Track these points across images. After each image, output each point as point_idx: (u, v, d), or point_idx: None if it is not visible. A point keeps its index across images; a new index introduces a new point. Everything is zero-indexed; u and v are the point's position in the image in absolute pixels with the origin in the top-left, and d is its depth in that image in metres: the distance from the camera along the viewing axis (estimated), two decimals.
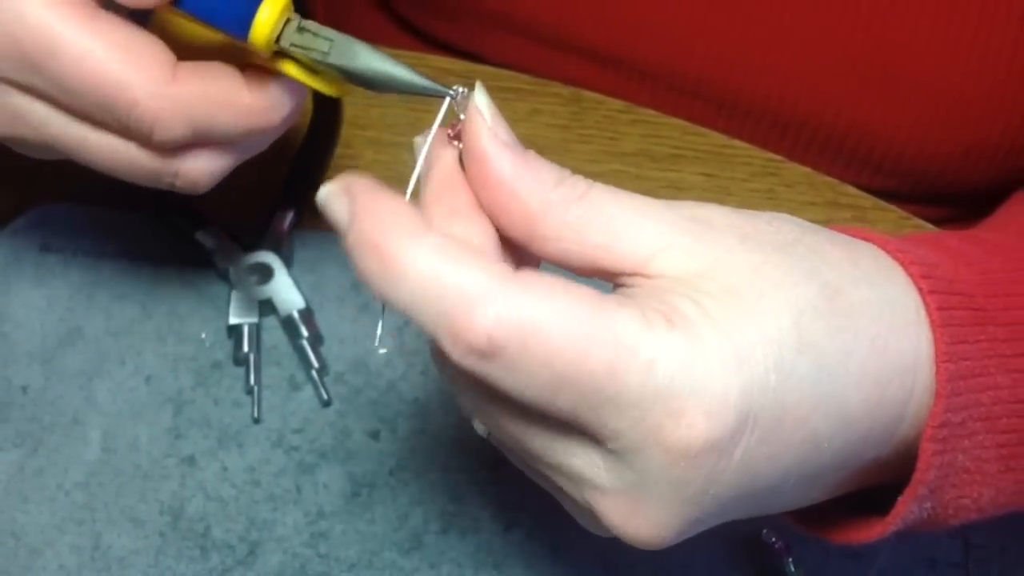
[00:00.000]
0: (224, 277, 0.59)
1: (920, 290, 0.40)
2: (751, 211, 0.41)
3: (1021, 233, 0.47)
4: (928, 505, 0.41)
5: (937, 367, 0.40)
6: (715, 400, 0.36)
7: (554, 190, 0.39)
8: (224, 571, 0.53)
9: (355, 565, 0.53)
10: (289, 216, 0.60)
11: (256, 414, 0.56)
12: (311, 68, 0.46)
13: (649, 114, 0.65)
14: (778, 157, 0.64)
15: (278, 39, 0.45)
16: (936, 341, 0.40)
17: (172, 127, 0.45)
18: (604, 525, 0.39)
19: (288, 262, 0.59)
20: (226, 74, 0.46)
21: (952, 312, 0.40)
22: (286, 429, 0.56)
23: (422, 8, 0.72)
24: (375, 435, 0.56)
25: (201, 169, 0.47)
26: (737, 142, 0.65)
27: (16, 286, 0.59)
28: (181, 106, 0.45)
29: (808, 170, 0.64)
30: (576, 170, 0.63)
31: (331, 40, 0.44)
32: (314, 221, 0.62)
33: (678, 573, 0.52)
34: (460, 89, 0.42)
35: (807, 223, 0.41)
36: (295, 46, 0.45)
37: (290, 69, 0.46)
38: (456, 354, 0.36)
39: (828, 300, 0.39)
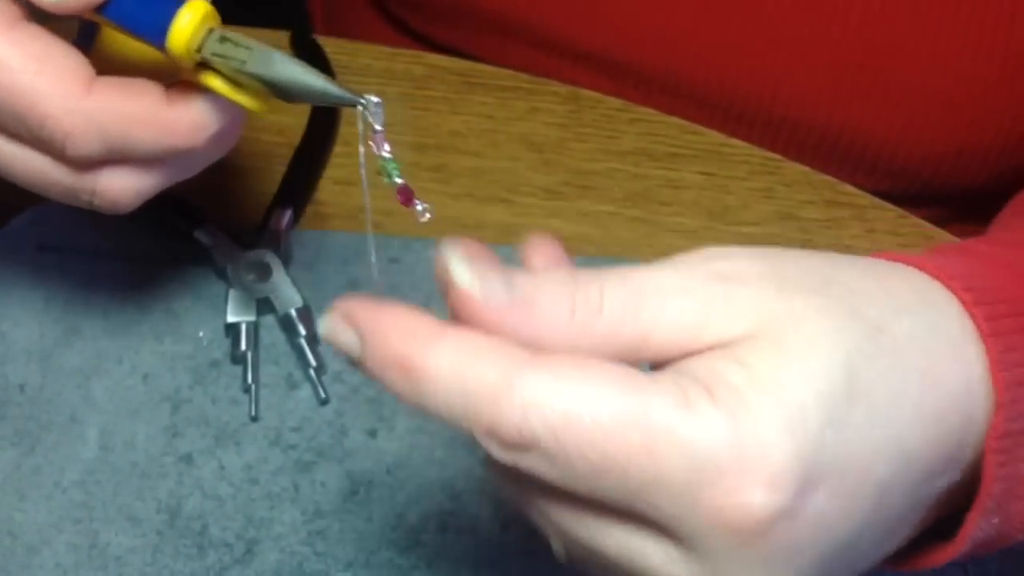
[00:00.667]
0: (222, 276, 0.59)
1: (963, 303, 0.39)
2: (773, 250, 0.39)
3: None
4: (995, 520, 0.40)
5: (993, 378, 0.39)
6: (770, 470, 0.34)
7: (569, 321, 0.37)
8: (221, 569, 0.53)
9: (352, 563, 0.53)
10: (287, 215, 0.60)
11: (254, 412, 0.56)
12: (235, 81, 0.44)
13: (647, 113, 0.65)
14: (776, 156, 0.64)
15: (200, 49, 0.43)
16: (989, 352, 0.39)
17: (84, 142, 0.44)
18: None
19: (286, 261, 0.59)
20: (146, 90, 0.44)
21: (1000, 321, 0.39)
22: (284, 427, 0.56)
23: (419, 12, 0.73)
24: (373, 433, 0.56)
25: (120, 187, 0.46)
26: (735, 141, 0.65)
27: (13, 285, 0.59)
28: (95, 121, 0.44)
29: (807, 169, 0.64)
30: (574, 169, 0.64)
31: (250, 49, 0.43)
32: (312, 220, 0.62)
33: None
34: (372, 99, 0.42)
35: (833, 255, 0.40)
36: (216, 55, 0.43)
37: (213, 82, 0.44)
38: (493, 451, 0.35)
39: (873, 340, 0.37)
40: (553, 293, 0.37)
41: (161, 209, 0.60)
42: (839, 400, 0.36)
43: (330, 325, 0.38)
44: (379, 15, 0.76)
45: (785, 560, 0.36)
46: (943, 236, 0.62)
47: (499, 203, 0.63)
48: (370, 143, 0.42)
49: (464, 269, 0.37)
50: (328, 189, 0.63)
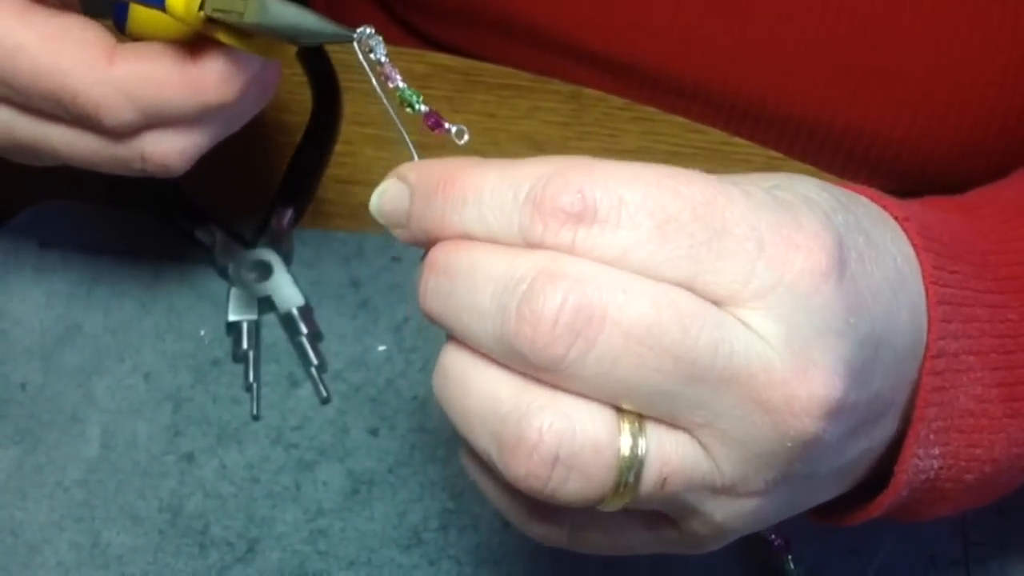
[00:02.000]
0: (223, 274, 0.59)
1: (896, 217, 0.41)
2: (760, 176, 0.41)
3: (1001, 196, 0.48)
4: (936, 453, 0.41)
5: (927, 290, 0.40)
6: (831, 338, 0.36)
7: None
8: (223, 568, 0.53)
9: (354, 562, 0.53)
10: (288, 213, 0.60)
11: (255, 411, 0.56)
12: (242, 33, 0.44)
13: (649, 111, 0.65)
14: (779, 155, 0.64)
15: (202, 7, 0.43)
16: (922, 264, 0.40)
17: (117, 111, 0.44)
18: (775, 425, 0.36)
19: (287, 259, 0.59)
20: (168, 52, 0.45)
21: (930, 241, 0.41)
22: (285, 426, 0.56)
23: (422, 11, 0.73)
24: (374, 432, 0.56)
25: (167, 150, 0.46)
26: (738, 140, 0.64)
27: (15, 283, 0.59)
28: (123, 89, 0.44)
29: (810, 168, 0.64)
30: None
31: (246, 0, 0.43)
32: (314, 218, 0.62)
33: (677, 570, 0.52)
34: (367, 30, 0.43)
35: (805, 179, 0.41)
36: (217, 11, 0.43)
37: (222, 37, 0.44)
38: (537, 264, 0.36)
39: (859, 230, 0.39)
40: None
41: (163, 208, 0.60)
42: (853, 243, 0.38)
43: (381, 187, 0.41)
44: (383, 14, 0.76)
45: (808, 472, 0.37)
46: None
47: None
48: (382, 78, 0.43)
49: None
50: (330, 188, 0.63)
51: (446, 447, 0.56)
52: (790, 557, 0.51)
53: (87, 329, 0.58)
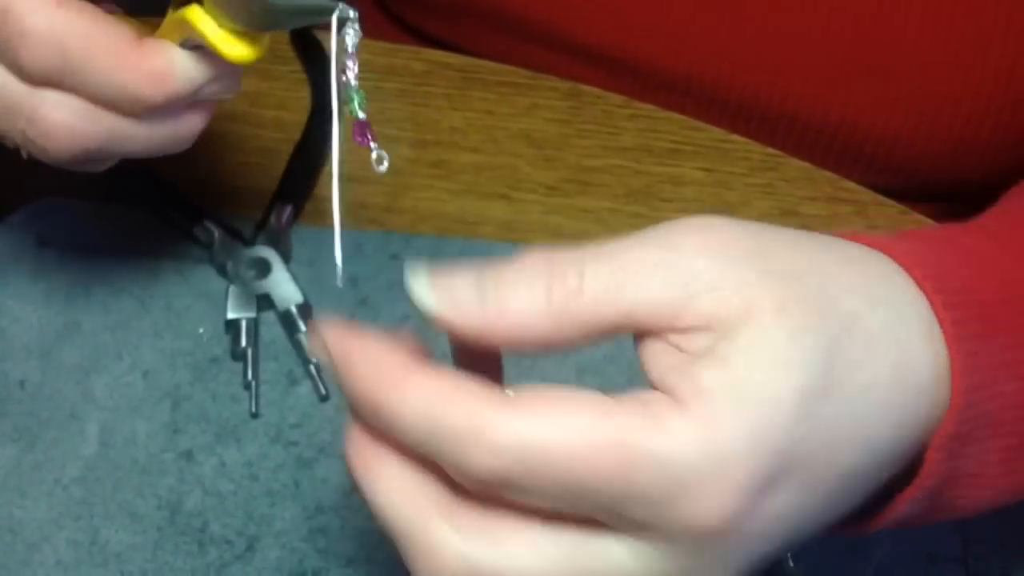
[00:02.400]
0: (222, 272, 0.59)
1: (932, 304, 0.39)
2: (758, 227, 0.39)
3: None
4: (926, 503, 0.41)
5: (953, 381, 0.39)
6: (737, 478, 0.35)
7: (548, 309, 0.37)
8: (222, 566, 0.53)
9: (353, 560, 0.53)
10: (287, 211, 0.60)
11: (254, 409, 0.56)
12: (223, 20, 0.42)
13: (648, 109, 0.65)
14: (777, 152, 0.64)
15: None
16: (952, 355, 0.39)
17: (41, 49, 0.42)
18: None
19: (286, 257, 0.59)
20: (121, 26, 0.43)
21: (966, 325, 0.39)
22: (284, 424, 0.56)
23: (419, 8, 0.72)
24: None
25: (59, 119, 0.44)
26: (736, 137, 0.64)
27: (13, 281, 0.58)
28: (57, 31, 0.42)
29: (808, 165, 0.64)
30: (575, 165, 0.64)
31: None
32: (312, 216, 0.62)
33: None
34: (349, 11, 0.40)
35: (812, 236, 0.40)
36: None
37: (194, 13, 0.42)
38: (470, 487, 0.36)
39: (848, 332, 0.37)
40: (527, 286, 0.37)
41: (161, 205, 0.60)
42: (814, 397, 0.36)
43: (312, 346, 0.39)
44: (379, 11, 0.76)
45: (745, 548, 0.37)
46: None
47: (499, 199, 0.62)
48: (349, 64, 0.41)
49: (427, 295, 0.38)
50: (328, 185, 0.63)
51: None
52: (789, 555, 0.51)
53: (85, 327, 0.58)
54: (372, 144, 0.39)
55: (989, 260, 0.42)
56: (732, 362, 0.36)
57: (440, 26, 0.72)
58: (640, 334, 0.38)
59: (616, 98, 0.65)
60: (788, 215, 0.62)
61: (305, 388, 0.57)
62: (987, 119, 0.63)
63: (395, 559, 0.53)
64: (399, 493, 0.38)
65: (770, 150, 0.64)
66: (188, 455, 0.55)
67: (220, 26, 0.42)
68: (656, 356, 0.38)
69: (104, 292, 0.58)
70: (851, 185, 0.63)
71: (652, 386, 0.38)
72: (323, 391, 0.56)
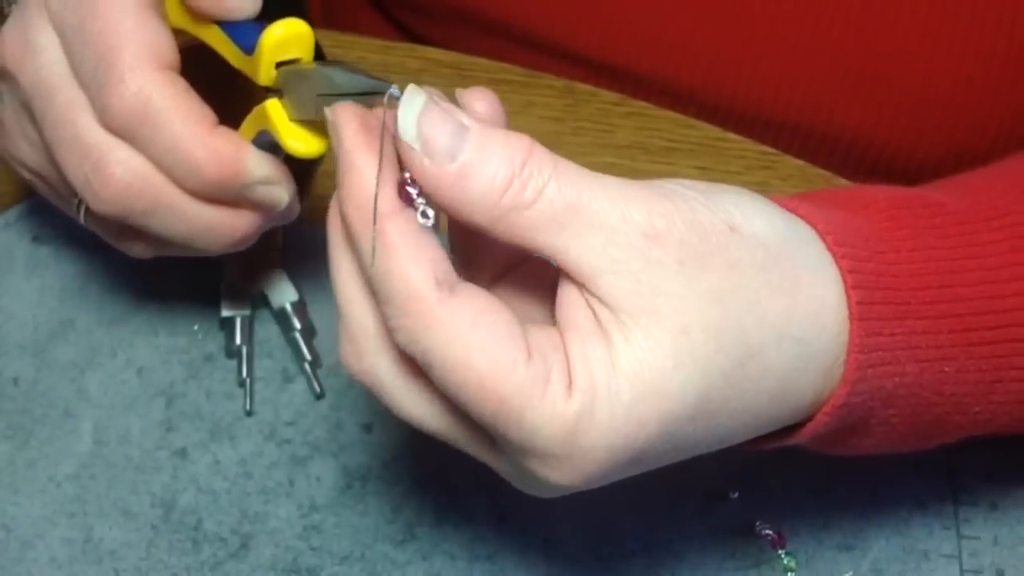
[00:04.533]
0: (217, 269, 0.59)
1: (846, 284, 0.42)
2: (715, 221, 0.40)
3: (988, 204, 0.47)
4: (808, 441, 0.44)
5: (848, 358, 0.41)
6: (588, 465, 0.39)
7: (495, 204, 0.39)
8: (216, 564, 0.53)
9: (348, 558, 0.53)
10: None
11: (248, 407, 0.56)
12: (299, 114, 0.46)
13: (643, 107, 0.65)
14: (772, 150, 0.64)
15: (278, 66, 0.46)
16: (852, 333, 0.41)
17: (130, 100, 0.46)
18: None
19: (281, 255, 0.59)
20: (206, 107, 0.47)
21: (872, 307, 0.42)
22: (278, 422, 0.56)
23: (416, 12, 0.72)
24: (368, 427, 0.56)
25: (120, 171, 0.47)
26: (731, 135, 0.64)
27: (8, 278, 0.58)
28: (149, 88, 0.46)
29: (802, 163, 0.64)
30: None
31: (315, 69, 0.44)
32: (307, 214, 0.62)
33: (672, 564, 0.52)
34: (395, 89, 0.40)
35: (766, 249, 0.41)
36: (289, 79, 0.45)
37: (273, 108, 0.46)
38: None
39: (743, 366, 0.40)
40: (492, 169, 0.39)
41: None
42: (682, 419, 0.39)
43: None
44: (376, 13, 0.76)
45: (581, 489, 0.41)
46: None
47: None
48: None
49: (411, 121, 0.39)
50: (324, 183, 0.63)
51: (439, 442, 0.55)
52: (784, 551, 0.51)
53: (80, 324, 0.57)
54: (419, 200, 0.40)
55: (921, 243, 0.44)
56: (620, 365, 0.39)
57: (439, 30, 0.72)
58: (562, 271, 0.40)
59: (611, 96, 0.65)
60: None
61: (299, 386, 0.57)
62: (988, 126, 0.63)
63: (389, 556, 0.53)
64: (352, 280, 0.41)
65: (765, 148, 0.64)
66: (182, 453, 0.55)
67: (291, 119, 0.46)
68: (569, 299, 0.40)
69: (98, 289, 0.58)
70: (845, 183, 0.63)
71: (556, 317, 0.40)
72: (317, 389, 0.56)
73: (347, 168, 0.39)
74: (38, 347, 0.57)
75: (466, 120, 0.39)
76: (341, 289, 0.42)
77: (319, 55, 0.47)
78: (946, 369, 0.43)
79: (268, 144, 0.48)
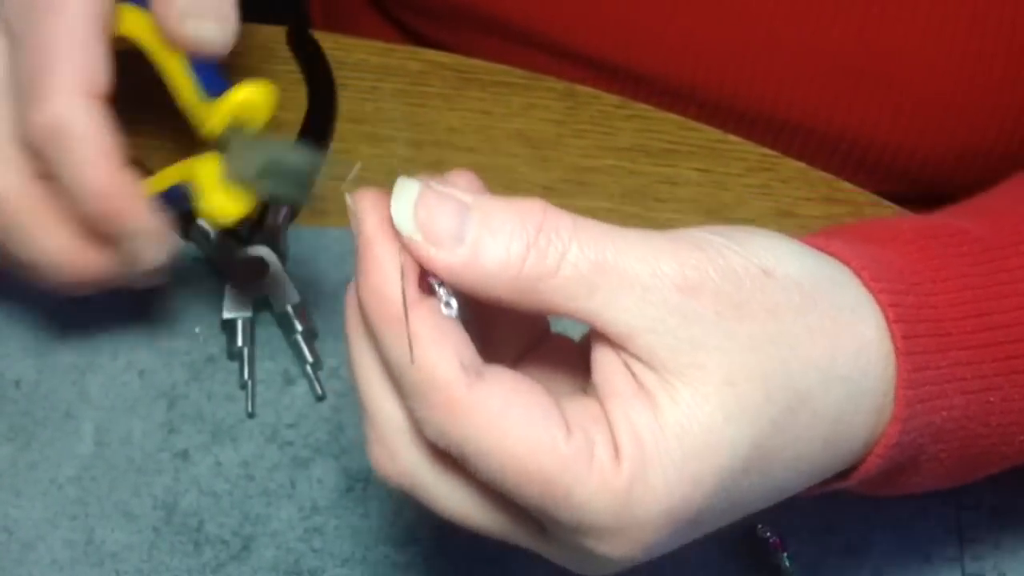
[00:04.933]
0: (218, 272, 0.59)
1: (887, 319, 0.41)
2: (749, 267, 0.39)
3: (1011, 230, 0.46)
4: (873, 485, 0.43)
5: (897, 394, 0.41)
6: (647, 535, 0.38)
7: (518, 276, 0.37)
8: (218, 566, 0.53)
9: (349, 560, 0.53)
10: (284, 211, 0.60)
11: (250, 409, 0.56)
12: (235, 177, 0.47)
13: (644, 109, 0.65)
14: (773, 152, 0.64)
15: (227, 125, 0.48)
16: (899, 369, 0.41)
17: (48, 122, 0.47)
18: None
19: (283, 257, 0.59)
20: (120, 143, 0.48)
21: (916, 340, 0.41)
22: (280, 424, 0.56)
23: (416, 12, 0.72)
24: None
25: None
26: (732, 137, 0.64)
27: (8, 280, 0.58)
28: (71, 114, 0.47)
29: (804, 165, 0.64)
30: (571, 165, 0.63)
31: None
32: (309, 216, 0.62)
33: (673, 567, 0.52)
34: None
35: (802, 291, 0.40)
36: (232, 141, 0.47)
37: (207, 166, 0.48)
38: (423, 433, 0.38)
39: (793, 412, 0.39)
40: (506, 240, 0.37)
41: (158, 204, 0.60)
42: (736, 472, 0.38)
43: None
44: (377, 14, 0.76)
45: (638, 560, 0.40)
46: None
47: None
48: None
49: (408, 212, 0.37)
50: (325, 185, 0.63)
51: None
52: (786, 555, 0.51)
53: (81, 326, 0.57)
54: (441, 290, 0.38)
55: (954, 272, 0.43)
56: (667, 424, 0.37)
57: (439, 30, 0.72)
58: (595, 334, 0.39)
59: (612, 98, 0.65)
60: (784, 216, 0.62)
61: (301, 388, 0.57)
62: (990, 126, 0.63)
63: (391, 559, 0.53)
64: (375, 375, 0.39)
65: (766, 150, 0.64)
66: (184, 455, 0.55)
67: (222, 179, 0.48)
68: (606, 364, 0.38)
69: (100, 292, 0.58)
70: (847, 186, 0.63)
71: (593, 385, 0.39)
72: (319, 391, 0.56)
73: (366, 259, 0.37)
74: (39, 350, 0.57)
75: (465, 197, 0.37)
76: (364, 385, 0.39)
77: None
78: (991, 399, 0.42)
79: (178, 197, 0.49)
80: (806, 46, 0.63)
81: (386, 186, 0.64)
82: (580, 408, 0.38)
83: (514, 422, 0.37)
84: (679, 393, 0.37)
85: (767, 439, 0.38)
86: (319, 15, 0.83)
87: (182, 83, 0.48)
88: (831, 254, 0.42)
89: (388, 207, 0.37)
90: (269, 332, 0.58)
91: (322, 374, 0.57)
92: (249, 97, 0.47)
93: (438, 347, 0.37)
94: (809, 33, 0.62)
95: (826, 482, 0.42)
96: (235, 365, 0.57)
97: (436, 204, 0.37)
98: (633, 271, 0.37)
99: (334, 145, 0.64)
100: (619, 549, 0.38)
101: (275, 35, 0.67)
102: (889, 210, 0.62)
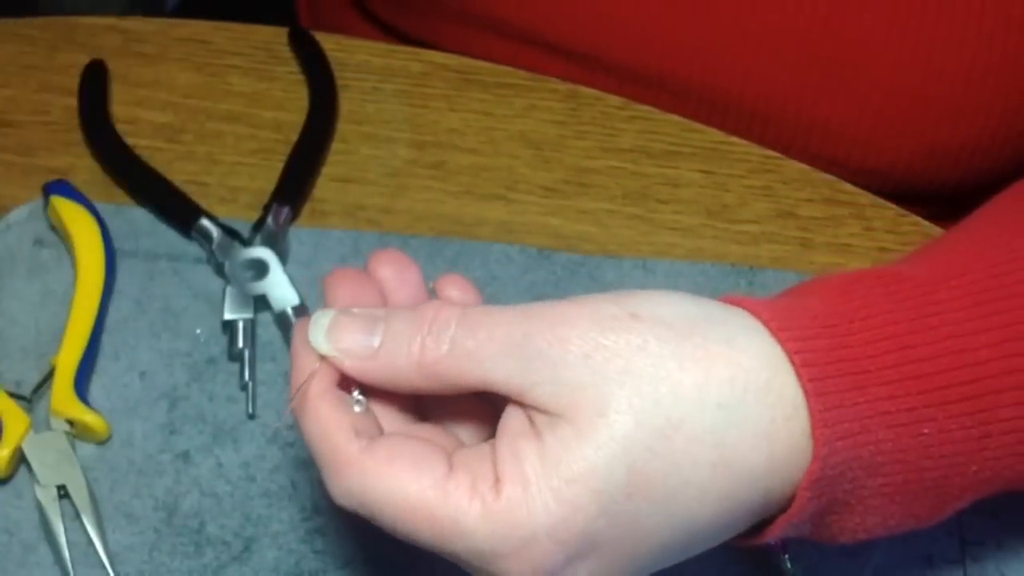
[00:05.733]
0: (219, 273, 0.59)
1: (794, 364, 0.42)
2: (618, 312, 0.42)
3: (947, 266, 0.47)
4: (808, 525, 0.44)
5: (814, 433, 0.42)
6: (535, 559, 0.41)
7: (418, 366, 0.43)
8: (219, 567, 0.53)
9: (351, 561, 0.53)
10: (284, 212, 0.60)
11: (251, 410, 0.56)
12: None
13: (646, 110, 0.65)
14: (776, 154, 0.64)
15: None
16: (811, 409, 0.42)
17: None
18: None
19: (283, 258, 0.59)
20: None
21: (826, 381, 0.42)
22: (281, 425, 0.56)
23: (406, 12, 0.72)
24: None
25: None
26: (735, 139, 0.64)
27: (10, 281, 0.58)
28: None
29: (806, 167, 0.64)
30: (573, 166, 0.64)
31: None
32: (310, 217, 0.62)
33: (674, 568, 0.52)
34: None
35: (673, 328, 0.42)
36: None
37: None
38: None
39: (667, 439, 0.41)
40: (406, 340, 0.43)
41: (159, 206, 0.60)
42: (616, 496, 0.41)
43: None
44: (362, 15, 0.76)
45: None
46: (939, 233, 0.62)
47: (498, 201, 0.62)
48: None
49: (321, 336, 0.44)
50: (325, 186, 0.63)
51: None
52: (787, 556, 0.51)
53: None
54: (355, 391, 0.45)
55: (876, 311, 0.44)
56: (548, 455, 0.41)
57: (430, 30, 0.72)
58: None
59: (614, 99, 0.65)
60: (786, 217, 0.62)
61: None
62: (961, 120, 0.62)
63: (393, 560, 0.53)
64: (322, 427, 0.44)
65: (768, 152, 0.64)
66: (185, 456, 0.55)
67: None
68: (509, 417, 0.43)
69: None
70: (849, 187, 0.63)
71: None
72: None
73: (292, 367, 0.45)
74: (41, 351, 0.57)
75: (379, 312, 0.44)
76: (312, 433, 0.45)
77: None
78: (925, 431, 0.43)
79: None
80: (772, 35, 0.63)
81: (386, 186, 0.64)
82: (471, 452, 0.43)
83: (399, 467, 0.42)
84: (561, 429, 0.41)
85: (644, 464, 0.41)
86: (305, 14, 0.83)
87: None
88: (743, 308, 0.44)
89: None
90: (270, 333, 0.58)
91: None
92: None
93: (334, 420, 0.43)
94: (775, 22, 0.62)
95: (764, 526, 0.44)
96: (236, 366, 0.57)
97: (348, 326, 0.44)
98: (509, 337, 0.42)
99: (335, 146, 0.64)
100: (517, 571, 0.41)
101: (277, 36, 0.67)
102: (890, 210, 0.62)
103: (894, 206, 0.63)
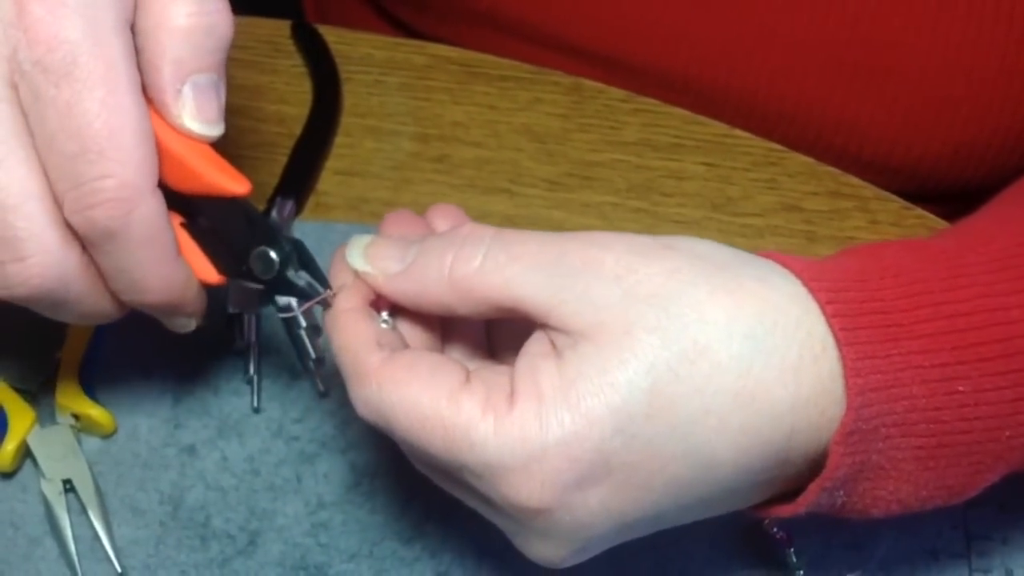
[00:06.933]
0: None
1: (825, 314, 0.42)
2: (653, 243, 0.43)
3: (973, 237, 0.47)
4: (841, 493, 0.43)
5: (847, 383, 0.42)
6: (548, 472, 0.40)
7: (449, 282, 0.43)
8: (224, 561, 0.53)
9: (356, 555, 0.53)
10: (289, 205, 0.60)
11: (256, 404, 0.56)
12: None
13: (650, 103, 0.65)
14: (780, 147, 0.64)
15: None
16: (843, 358, 0.42)
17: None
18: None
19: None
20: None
21: (858, 331, 0.42)
22: (286, 419, 0.56)
23: (411, 6, 0.72)
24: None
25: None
26: (739, 131, 0.64)
27: None
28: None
29: (810, 160, 0.63)
30: (577, 159, 0.63)
31: None
32: (314, 210, 0.62)
33: (680, 562, 0.52)
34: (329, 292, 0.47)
35: (704, 259, 0.43)
36: None
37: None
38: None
39: (691, 363, 0.41)
40: (437, 256, 0.44)
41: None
42: (634, 416, 0.40)
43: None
44: (369, 11, 0.76)
45: (570, 532, 0.42)
46: (944, 227, 0.62)
47: (502, 194, 0.62)
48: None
49: (359, 256, 0.45)
50: (329, 179, 0.63)
51: None
52: (792, 550, 0.51)
53: None
54: (383, 312, 0.47)
55: (905, 269, 0.44)
56: (566, 371, 0.41)
57: (435, 25, 0.71)
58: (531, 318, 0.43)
59: (618, 92, 0.65)
60: (790, 210, 0.62)
61: (307, 383, 0.57)
62: (986, 122, 0.62)
63: (397, 554, 0.53)
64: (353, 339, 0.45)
65: (773, 145, 0.64)
66: (190, 450, 0.55)
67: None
68: (531, 342, 0.43)
69: None
70: (854, 180, 0.63)
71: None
72: (320, 389, 0.56)
73: (337, 291, 0.47)
74: (46, 345, 0.57)
75: (417, 237, 0.45)
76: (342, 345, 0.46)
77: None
78: (960, 388, 0.43)
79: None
80: (800, 38, 0.63)
81: (390, 179, 0.64)
82: (489, 369, 0.44)
83: (415, 376, 0.42)
84: (582, 347, 0.41)
85: (666, 385, 0.40)
86: (311, 8, 0.83)
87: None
88: (774, 260, 0.44)
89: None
90: (274, 326, 0.58)
91: (326, 369, 0.57)
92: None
93: (358, 332, 0.44)
94: (804, 25, 0.62)
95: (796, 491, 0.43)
96: (240, 360, 0.57)
97: (383, 245, 0.45)
98: (543, 253, 0.42)
99: (339, 139, 0.64)
100: (528, 493, 0.41)
101: (280, 29, 0.67)
102: (895, 203, 0.62)
103: (899, 199, 0.63)
